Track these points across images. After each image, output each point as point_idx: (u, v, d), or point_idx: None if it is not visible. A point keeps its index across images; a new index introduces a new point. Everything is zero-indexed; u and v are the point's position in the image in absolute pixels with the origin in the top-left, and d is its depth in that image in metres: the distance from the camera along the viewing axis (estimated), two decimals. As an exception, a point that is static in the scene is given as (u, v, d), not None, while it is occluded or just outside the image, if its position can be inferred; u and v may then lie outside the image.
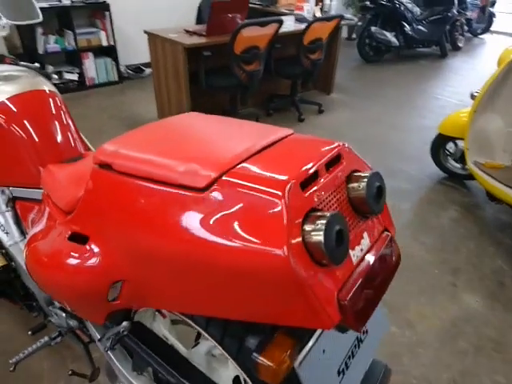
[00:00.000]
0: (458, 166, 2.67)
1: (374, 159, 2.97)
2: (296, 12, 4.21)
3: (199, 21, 4.00)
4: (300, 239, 0.47)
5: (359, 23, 5.50)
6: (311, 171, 0.52)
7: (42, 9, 4.01)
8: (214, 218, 0.51)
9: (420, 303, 1.72)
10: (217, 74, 3.04)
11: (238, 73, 2.89)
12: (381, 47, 5.42)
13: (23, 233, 1.12)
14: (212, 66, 3.03)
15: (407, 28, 5.41)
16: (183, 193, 0.55)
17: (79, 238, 0.72)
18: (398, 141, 3.27)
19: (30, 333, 1.12)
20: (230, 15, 3.03)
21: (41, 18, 1.49)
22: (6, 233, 1.12)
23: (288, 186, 0.48)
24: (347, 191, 0.57)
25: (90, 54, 4.05)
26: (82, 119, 3.43)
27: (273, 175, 0.50)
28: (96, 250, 0.68)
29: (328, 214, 0.48)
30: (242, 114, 3.63)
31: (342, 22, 4.04)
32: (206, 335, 0.69)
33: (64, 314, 1.02)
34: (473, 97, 2.29)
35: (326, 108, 3.94)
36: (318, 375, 0.60)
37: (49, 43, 3.76)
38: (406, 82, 4.81)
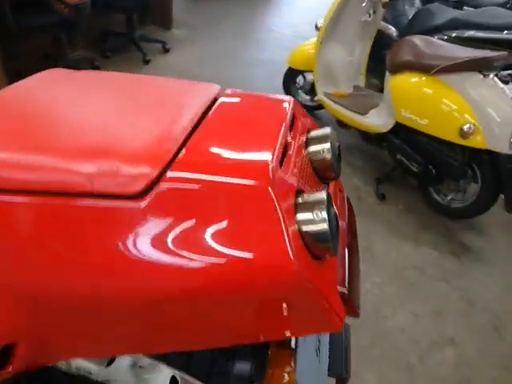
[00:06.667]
0: (307, 97, 2.80)
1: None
2: None
3: None
4: (296, 233, 0.36)
5: None
6: (284, 141, 0.40)
7: None
8: (168, 235, 0.36)
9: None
10: (29, 10, 2.37)
11: (59, 8, 2.32)
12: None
13: None
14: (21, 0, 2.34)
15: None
16: (107, 205, 0.36)
17: None
18: (247, 76, 3.28)
19: None
20: None
21: None
22: None
23: (270, 169, 0.36)
24: (308, 156, 0.47)
25: None
26: None
27: (242, 157, 0.37)
28: None
29: (320, 197, 0.38)
30: (73, 60, 3.01)
31: None
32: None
33: None
34: (317, 28, 2.36)
35: (170, 46, 3.60)
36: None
37: None
38: (242, 15, 4.75)
